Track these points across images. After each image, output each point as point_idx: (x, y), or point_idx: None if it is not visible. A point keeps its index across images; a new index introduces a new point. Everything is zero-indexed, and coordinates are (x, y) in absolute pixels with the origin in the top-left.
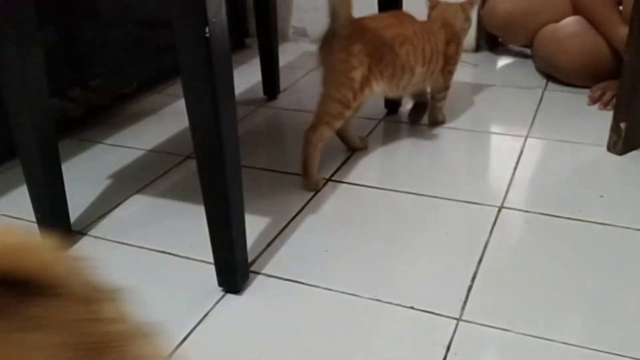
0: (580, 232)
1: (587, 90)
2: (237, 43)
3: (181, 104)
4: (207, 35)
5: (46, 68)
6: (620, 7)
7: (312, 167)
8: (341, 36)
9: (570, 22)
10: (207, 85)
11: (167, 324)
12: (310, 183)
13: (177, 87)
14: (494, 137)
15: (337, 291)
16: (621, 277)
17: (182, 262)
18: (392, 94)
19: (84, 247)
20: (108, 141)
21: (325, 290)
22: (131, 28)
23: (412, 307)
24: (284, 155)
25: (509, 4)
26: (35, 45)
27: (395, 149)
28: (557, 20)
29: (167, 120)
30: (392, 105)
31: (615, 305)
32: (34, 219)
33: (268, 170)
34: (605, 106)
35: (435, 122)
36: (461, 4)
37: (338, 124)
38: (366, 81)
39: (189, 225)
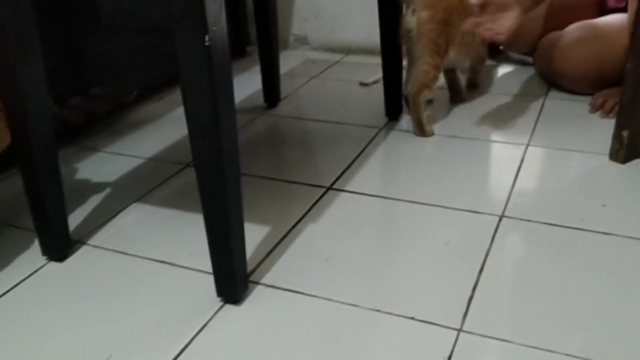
0: (582, 241)
1: (588, 98)
2: (238, 51)
3: (181, 112)
4: (207, 43)
5: (46, 76)
6: (625, 15)
7: (424, 123)
8: (426, 6)
9: (575, 29)
10: (207, 93)
11: (166, 334)
12: (426, 133)
13: (177, 95)
14: (494, 145)
15: (337, 301)
16: (624, 286)
17: (180, 271)
18: (458, 61)
19: (83, 256)
20: (108, 149)
21: (325, 301)
22: (131, 36)
23: (412, 318)
24: (285, 163)
25: None
26: (35, 53)
27: (396, 157)
28: (560, 28)
29: (167, 128)
30: (393, 113)
31: (619, 316)
32: (32, 227)
33: (268, 178)
34: (607, 114)
35: (475, 84)
36: None
37: (435, 85)
38: (447, 46)
39: (188, 234)
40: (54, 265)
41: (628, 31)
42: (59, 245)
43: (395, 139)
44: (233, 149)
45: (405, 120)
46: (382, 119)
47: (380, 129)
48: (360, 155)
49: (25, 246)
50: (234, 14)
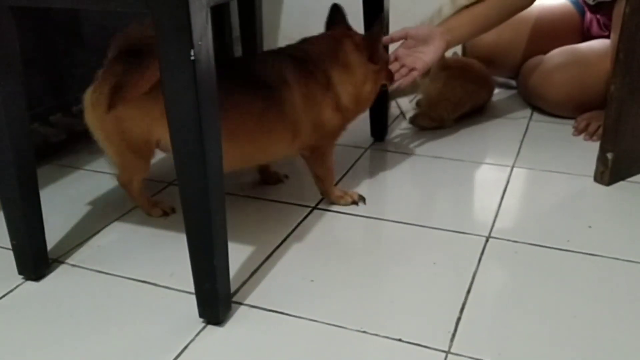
0: (568, 262)
1: (572, 121)
2: None
3: None
4: (193, 58)
5: (27, 93)
6: (606, 40)
7: (446, 119)
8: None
9: (556, 54)
10: (192, 109)
11: (146, 356)
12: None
13: None
14: (480, 167)
15: (322, 322)
16: (610, 307)
17: (162, 291)
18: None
19: (61, 275)
20: (89, 167)
21: (311, 322)
22: None
23: (399, 340)
24: None
25: (493, 34)
26: (16, 69)
27: (382, 178)
28: (543, 52)
29: None
30: (379, 133)
31: (605, 337)
32: (9, 245)
33: (252, 197)
34: (590, 137)
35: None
36: None
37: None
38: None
39: (170, 254)
40: (30, 284)
41: (611, 57)
42: (36, 264)
43: (381, 160)
44: (217, 166)
45: (391, 141)
46: (368, 140)
47: (366, 149)
48: (346, 175)
49: (1, 265)
50: (220, 31)
